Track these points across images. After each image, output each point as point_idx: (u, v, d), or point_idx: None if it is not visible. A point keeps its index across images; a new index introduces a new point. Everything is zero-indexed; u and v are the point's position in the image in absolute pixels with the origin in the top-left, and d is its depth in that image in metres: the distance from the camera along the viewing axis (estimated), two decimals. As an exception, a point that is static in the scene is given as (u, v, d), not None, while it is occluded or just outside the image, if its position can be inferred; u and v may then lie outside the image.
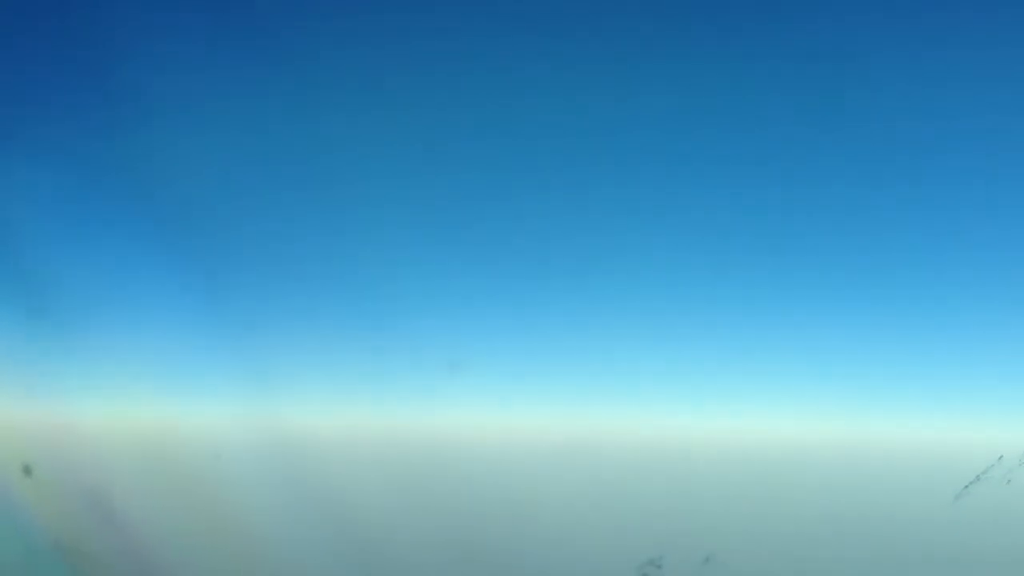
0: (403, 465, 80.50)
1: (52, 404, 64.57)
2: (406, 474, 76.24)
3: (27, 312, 61.62)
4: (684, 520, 74.10)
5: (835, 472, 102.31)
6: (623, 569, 55.02)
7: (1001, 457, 65.63)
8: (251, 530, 57.22)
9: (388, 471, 71.06)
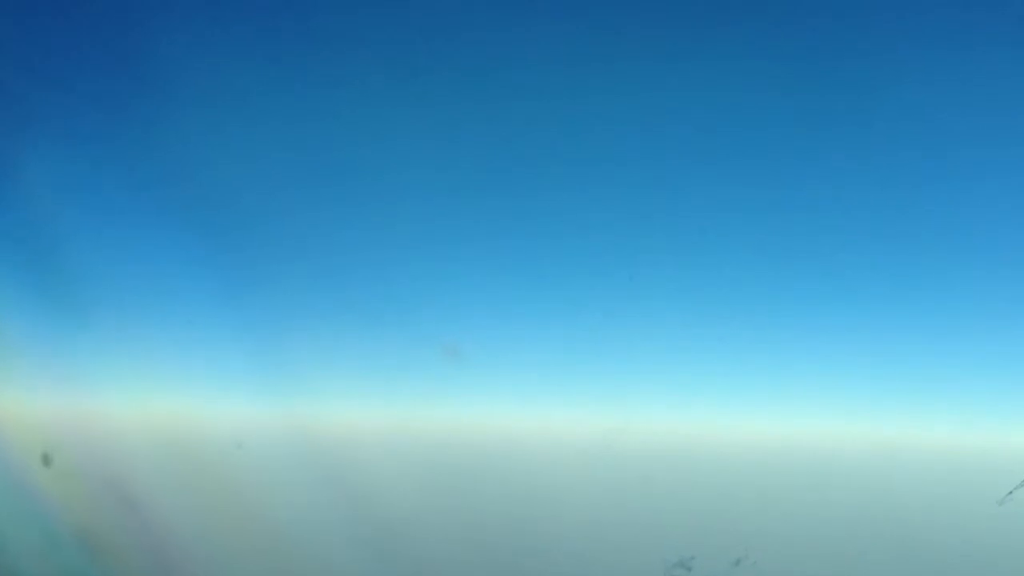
0: (425, 460, 79.63)
1: (72, 393, 64.10)
2: (428, 470, 75.23)
3: (48, 303, 61.25)
4: (714, 522, 72.54)
5: (865, 476, 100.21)
6: (651, 570, 53.51)
7: None
8: (270, 520, 56.41)
9: (409, 465, 70.13)
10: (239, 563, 52.88)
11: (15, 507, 48.27)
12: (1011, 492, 58.52)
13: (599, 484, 79.32)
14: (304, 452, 63.49)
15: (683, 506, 78.16)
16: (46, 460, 51.22)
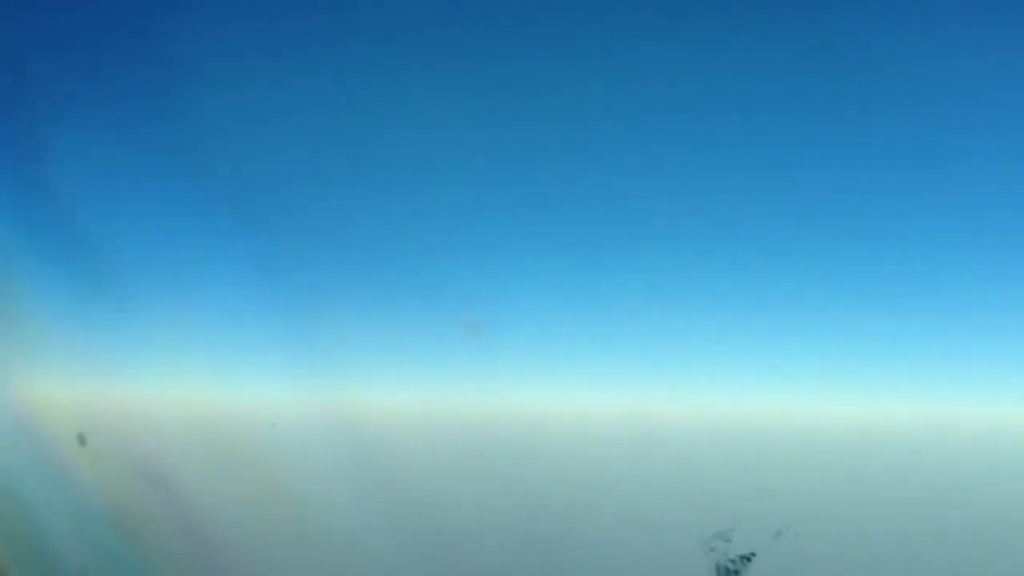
0: (461, 439, 79.36)
1: (107, 376, 64.64)
2: (464, 447, 74.86)
3: (85, 291, 61.85)
4: (754, 496, 71.34)
5: (900, 453, 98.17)
6: (693, 541, 52.47)
7: None
8: (303, 497, 56.42)
9: (440, 441, 69.82)
10: (272, 536, 52.91)
11: (55, 488, 48.73)
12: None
13: (640, 460, 78.46)
14: (336, 431, 63.47)
15: (723, 482, 77.16)
16: (81, 440, 51.64)
